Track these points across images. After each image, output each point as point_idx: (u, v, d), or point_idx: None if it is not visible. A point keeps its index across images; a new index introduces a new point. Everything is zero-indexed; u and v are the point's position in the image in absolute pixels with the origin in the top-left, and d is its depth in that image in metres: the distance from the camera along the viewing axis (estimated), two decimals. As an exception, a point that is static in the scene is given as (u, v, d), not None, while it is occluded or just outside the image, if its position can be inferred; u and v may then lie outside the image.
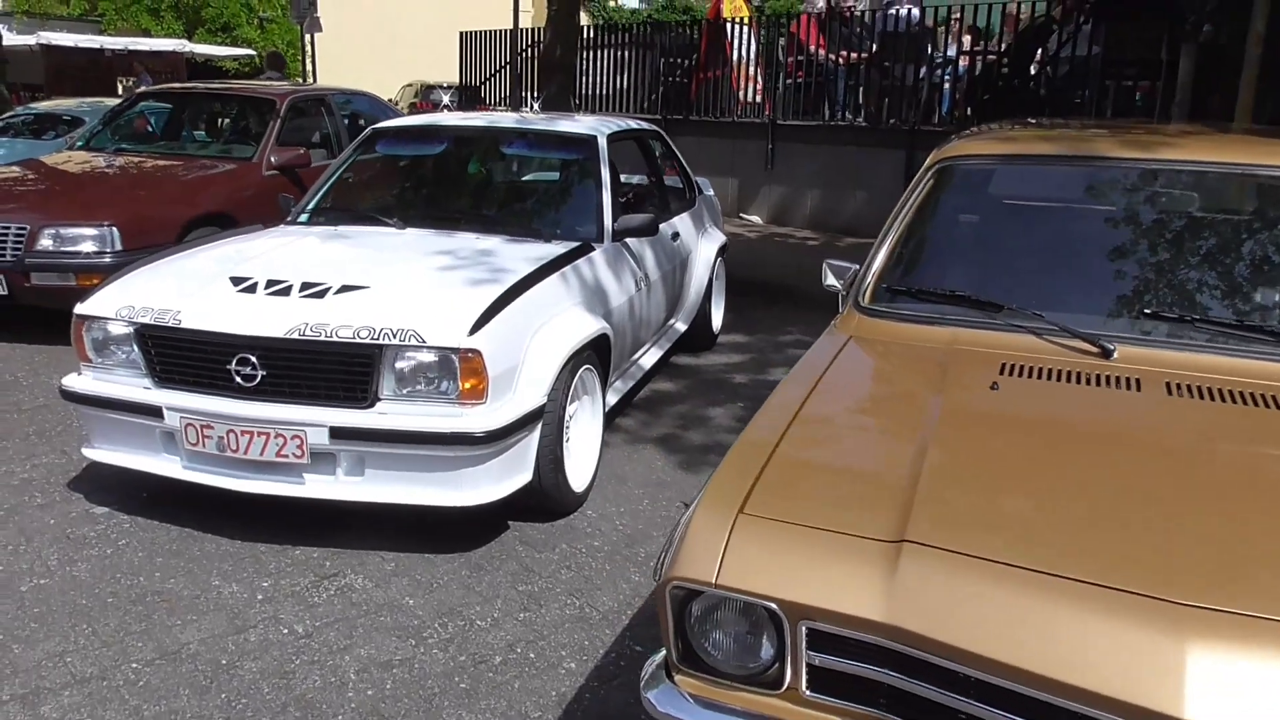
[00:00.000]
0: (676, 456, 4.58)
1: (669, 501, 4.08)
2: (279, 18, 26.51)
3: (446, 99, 22.86)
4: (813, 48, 10.87)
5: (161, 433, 3.57)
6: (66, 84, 19.57)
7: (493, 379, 3.33)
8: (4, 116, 10.52)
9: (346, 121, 8.28)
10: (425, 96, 24.08)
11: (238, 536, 3.62)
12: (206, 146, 7.63)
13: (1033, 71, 9.46)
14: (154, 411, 3.50)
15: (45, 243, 5.87)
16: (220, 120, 8.32)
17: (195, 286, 3.65)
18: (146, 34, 24.51)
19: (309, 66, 15.88)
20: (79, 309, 3.66)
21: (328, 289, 3.56)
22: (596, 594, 3.32)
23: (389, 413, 3.34)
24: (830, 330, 2.90)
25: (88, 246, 5.91)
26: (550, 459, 3.62)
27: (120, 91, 20.57)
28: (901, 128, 10.28)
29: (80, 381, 3.68)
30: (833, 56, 10.81)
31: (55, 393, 5.21)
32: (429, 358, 3.31)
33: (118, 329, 3.59)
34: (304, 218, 4.85)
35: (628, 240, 4.64)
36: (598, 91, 14.81)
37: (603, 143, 4.89)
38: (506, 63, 14.66)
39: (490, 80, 15.34)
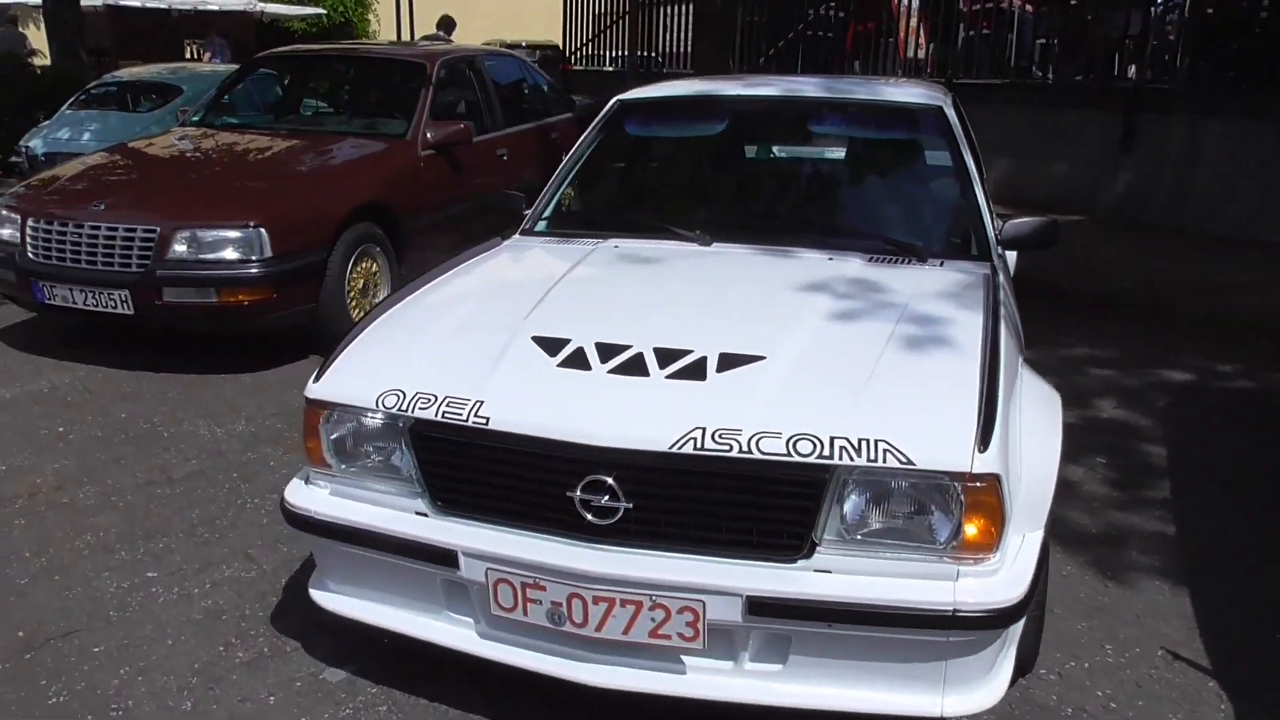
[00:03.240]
0: (1081, 556, 3.29)
1: (1139, 644, 2.79)
2: (350, -25, 25.11)
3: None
4: (1002, -7, 9.39)
5: (445, 583, 2.32)
6: (133, 47, 18.41)
7: (1008, 517, 2.04)
8: (87, 87, 9.31)
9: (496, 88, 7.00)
10: (505, 57, 22.70)
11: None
12: (348, 122, 6.34)
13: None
14: (441, 556, 2.25)
15: (179, 249, 4.67)
16: (354, 90, 7.02)
17: (490, 357, 2.38)
18: (213, -8, 23.17)
19: (404, 25, 14.47)
20: (312, 391, 2.41)
21: (701, 360, 2.29)
22: None
23: (835, 570, 2.07)
24: None
25: (230, 253, 4.69)
26: (1038, 615, 2.35)
27: (188, 55, 19.40)
28: (1117, 86, 8.79)
29: (314, 498, 2.44)
30: (1029, 6, 9.30)
31: (208, 450, 4.05)
32: (910, 485, 2.03)
33: (378, 422, 2.34)
34: (542, 225, 3.58)
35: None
36: (680, 49, 13.39)
37: (952, 116, 3.56)
38: (624, 14, 13.18)
39: (599, 38, 13.92)
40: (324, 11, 22.29)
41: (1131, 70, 8.86)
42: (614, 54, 14.61)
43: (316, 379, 2.43)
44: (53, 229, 4.81)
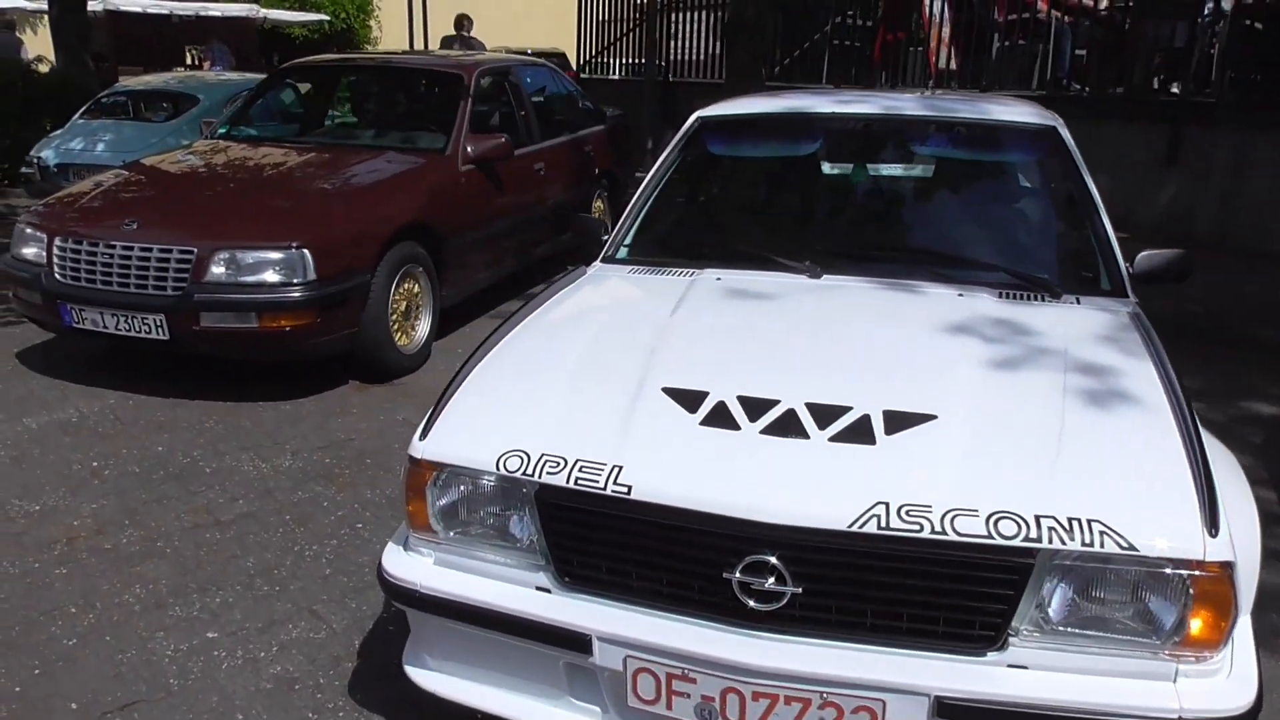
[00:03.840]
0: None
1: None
2: (349, -20, 24.79)
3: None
4: (1041, 5, 9.15)
5: (569, 666, 2.05)
6: (133, 54, 18.11)
7: (1241, 610, 1.79)
8: (99, 96, 9.01)
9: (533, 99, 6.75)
10: (510, 65, 22.39)
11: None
12: (383, 136, 6.07)
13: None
14: (571, 640, 1.98)
15: (217, 271, 4.39)
16: (387, 102, 6.74)
17: (619, 412, 2.12)
18: (214, -2, 22.88)
19: (419, 31, 14.13)
20: (419, 450, 2.14)
21: (864, 419, 2.03)
22: None
23: (1032, 666, 1.81)
24: None
25: (272, 276, 4.41)
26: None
27: (189, 61, 19.08)
28: (1159, 99, 8.56)
29: (418, 569, 2.17)
30: (1068, 19, 9.07)
31: (255, 489, 3.77)
32: (1131, 573, 1.77)
33: (495, 486, 2.08)
34: (624, 252, 3.32)
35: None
36: (690, 56, 13.15)
37: (1067, 137, 3.32)
38: (640, 20, 12.90)
39: (615, 45, 13.65)
40: (326, 18, 21.98)
41: (1161, 81, 8.63)
42: (623, 62, 14.36)
43: (423, 435, 2.17)
44: (81, 249, 4.53)
